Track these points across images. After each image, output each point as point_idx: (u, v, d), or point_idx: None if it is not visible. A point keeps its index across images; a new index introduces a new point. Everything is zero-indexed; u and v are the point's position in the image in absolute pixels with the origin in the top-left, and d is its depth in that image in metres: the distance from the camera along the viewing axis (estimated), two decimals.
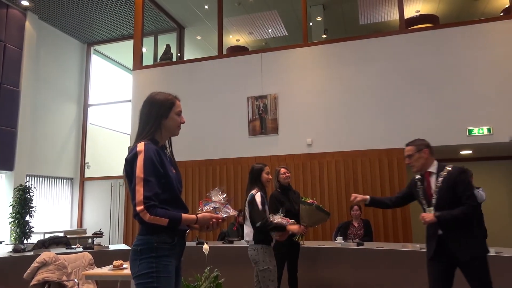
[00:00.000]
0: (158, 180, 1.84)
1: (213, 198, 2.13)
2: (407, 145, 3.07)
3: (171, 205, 1.89)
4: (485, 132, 6.07)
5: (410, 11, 8.59)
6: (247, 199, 3.63)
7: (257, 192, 3.59)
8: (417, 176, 3.08)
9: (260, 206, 3.52)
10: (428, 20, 8.20)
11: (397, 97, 6.55)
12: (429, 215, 2.78)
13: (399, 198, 3.21)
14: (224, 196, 2.14)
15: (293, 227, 3.56)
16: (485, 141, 6.09)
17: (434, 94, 6.38)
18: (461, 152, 7.18)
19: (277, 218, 3.42)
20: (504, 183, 7.79)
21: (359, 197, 3.12)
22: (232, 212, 2.12)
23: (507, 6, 7.40)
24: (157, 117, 1.97)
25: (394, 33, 6.91)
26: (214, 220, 1.97)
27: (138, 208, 1.77)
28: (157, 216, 1.78)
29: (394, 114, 6.52)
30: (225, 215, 2.07)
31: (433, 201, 2.85)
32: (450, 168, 2.88)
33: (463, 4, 8.70)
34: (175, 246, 1.92)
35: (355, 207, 5.67)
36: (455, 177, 2.82)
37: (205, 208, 2.07)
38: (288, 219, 3.50)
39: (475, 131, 6.11)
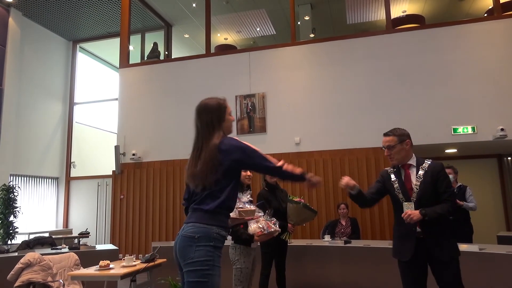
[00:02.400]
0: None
1: (242, 199, 2.38)
2: (386, 134, 2.78)
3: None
4: (470, 131, 6.18)
5: (396, 11, 8.69)
6: None
7: None
8: (390, 168, 2.83)
9: None
10: (414, 20, 8.31)
11: (383, 96, 6.62)
12: (415, 212, 2.51)
13: (373, 194, 2.83)
14: (251, 198, 2.47)
15: (260, 239, 3.34)
16: (469, 140, 6.20)
17: (420, 93, 6.46)
18: (447, 151, 7.30)
19: (261, 221, 3.36)
20: (488, 180, 7.94)
21: (351, 182, 2.68)
22: (260, 213, 2.55)
23: (490, 7, 7.54)
24: (219, 121, 2.17)
25: (381, 33, 6.98)
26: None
27: (279, 163, 2.07)
28: (290, 169, 2.08)
29: (380, 113, 6.58)
30: (260, 214, 2.42)
31: (414, 195, 2.62)
32: (429, 162, 2.68)
33: (449, 4, 8.83)
34: (225, 240, 2.07)
35: (342, 205, 5.72)
36: (438, 171, 2.62)
37: (247, 206, 2.36)
38: (273, 221, 3.42)
39: (460, 130, 6.21)
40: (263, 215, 3.46)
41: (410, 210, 2.56)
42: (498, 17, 6.46)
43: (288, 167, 2.07)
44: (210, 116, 2.16)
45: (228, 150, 2.05)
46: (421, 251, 2.58)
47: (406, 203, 2.64)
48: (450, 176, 5.03)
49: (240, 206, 2.29)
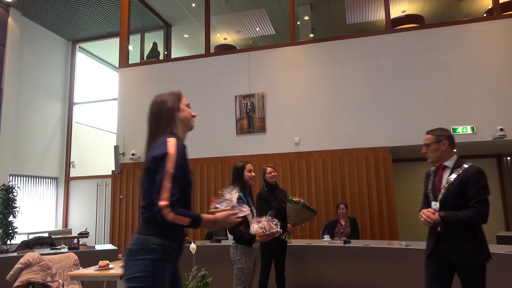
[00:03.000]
0: (181, 178, 1.81)
1: (226, 196, 2.12)
2: (428, 133, 2.85)
3: (183, 206, 1.82)
4: (469, 131, 6.18)
5: (396, 11, 8.69)
6: None
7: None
8: (433, 168, 2.86)
9: None
10: (413, 20, 8.31)
11: (383, 96, 6.62)
12: (434, 216, 2.53)
13: (426, 202, 2.83)
14: (237, 194, 2.14)
15: (261, 240, 3.36)
16: (469, 140, 6.20)
17: (419, 93, 6.46)
18: None
19: (263, 221, 3.37)
20: (488, 181, 7.93)
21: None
22: (247, 211, 2.12)
23: (490, 7, 7.54)
24: (170, 111, 1.94)
25: (380, 33, 6.98)
26: (233, 217, 1.96)
27: (162, 204, 1.70)
28: (180, 216, 1.73)
29: (380, 113, 6.58)
30: (241, 215, 2.06)
31: (440, 196, 2.64)
32: (467, 166, 2.65)
33: (448, 4, 8.83)
34: (173, 251, 1.83)
35: (341, 205, 5.73)
36: (468, 177, 2.58)
37: (222, 206, 2.05)
38: (275, 222, 3.43)
39: (459, 130, 6.21)
40: (265, 215, 3.47)
41: (429, 213, 2.57)
42: (498, 17, 6.46)
43: (169, 215, 1.70)
44: (159, 106, 1.95)
45: (156, 156, 1.81)
46: (439, 250, 2.63)
47: (433, 202, 2.70)
48: None
49: (213, 206, 2.09)
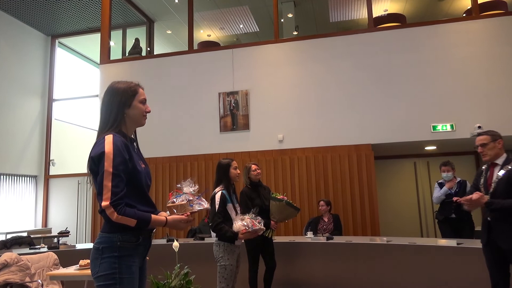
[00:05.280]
0: (126, 175, 1.78)
1: (184, 189, 2.05)
2: (481, 134, 3.16)
3: (137, 201, 1.83)
4: (448, 128, 6.31)
5: (378, 10, 8.78)
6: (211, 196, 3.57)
7: (219, 191, 3.49)
8: (484, 166, 3.17)
9: (217, 206, 3.41)
10: (395, 19, 8.41)
11: (365, 94, 6.70)
12: (478, 196, 2.85)
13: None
14: (196, 187, 2.07)
15: (244, 237, 3.35)
16: (448, 137, 6.34)
17: (401, 91, 6.56)
18: (426, 148, 7.43)
19: (246, 219, 3.37)
20: (466, 177, 8.11)
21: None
22: (206, 205, 2.05)
23: (469, 7, 7.71)
24: (119, 106, 1.89)
25: (362, 31, 7.05)
26: (185, 220, 1.91)
27: (104, 204, 1.69)
28: (125, 216, 1.72)
29: (362, 111, 6.66)
30: (199, 208, 1.99)
31: (491, 190, 2.94)
32: None
33: (429, 4, 8.98)
34: (140, 246, 1.85)
35: (321, 202, 5.78)
36: None
37: (178, 200, 1.98)
38: (258, 219, 3.43)
39: (439, 127, 6.34)
40: (248, 212, 3.47)
41: (474, 194, 2.90)
42: (476, 17, 6.61)
43: (113, 215, 1.69)
44: (110, 97, 1.89)
45: (93, 155, 1.80)
46: (492, 238, 2.92)
47: (485, 196, 2.96)
48: (449, 173, 5.16)
49: (170, 200, 2.01)
